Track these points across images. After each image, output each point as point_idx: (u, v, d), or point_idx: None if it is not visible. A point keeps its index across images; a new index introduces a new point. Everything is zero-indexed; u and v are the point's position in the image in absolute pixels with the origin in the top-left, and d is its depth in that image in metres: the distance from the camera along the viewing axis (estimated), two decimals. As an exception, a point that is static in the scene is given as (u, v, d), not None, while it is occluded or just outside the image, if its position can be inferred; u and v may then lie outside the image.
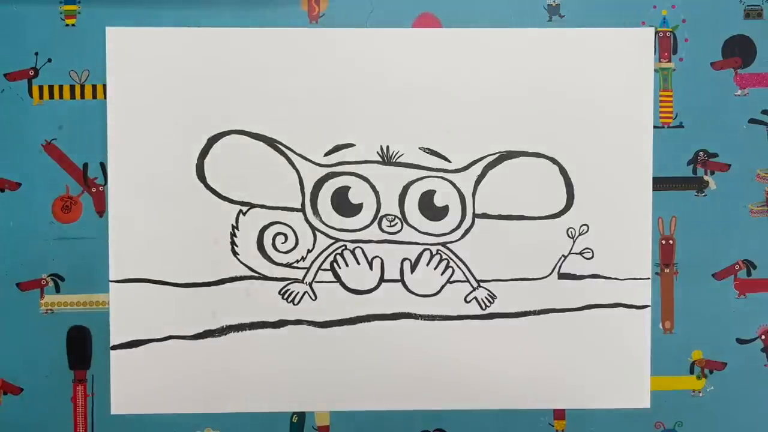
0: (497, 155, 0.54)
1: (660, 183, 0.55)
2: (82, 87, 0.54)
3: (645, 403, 0.55)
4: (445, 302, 0.54)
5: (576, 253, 0.55)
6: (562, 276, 0.55)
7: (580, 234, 0.55)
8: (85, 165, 0.54)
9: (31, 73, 0.54)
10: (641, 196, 0.55)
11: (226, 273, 0.54)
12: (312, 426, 0.55)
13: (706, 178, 0.55)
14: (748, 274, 0.55)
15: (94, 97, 0.54)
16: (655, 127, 0.55)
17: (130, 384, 0.54)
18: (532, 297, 0.55)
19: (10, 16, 0.54)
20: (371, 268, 0.54)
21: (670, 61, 0.55)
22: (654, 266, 0.55)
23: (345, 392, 0.54)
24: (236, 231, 0.54)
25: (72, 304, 0.54)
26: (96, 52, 0.54)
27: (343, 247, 0.54)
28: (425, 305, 0.54)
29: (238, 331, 0.54)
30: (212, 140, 0.54)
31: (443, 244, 0.54)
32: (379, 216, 0.54)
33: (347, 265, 0.54)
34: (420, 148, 0.54)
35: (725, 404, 0.56)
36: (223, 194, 0.54)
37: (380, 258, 0.54)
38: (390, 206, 0.54)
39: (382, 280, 0.54)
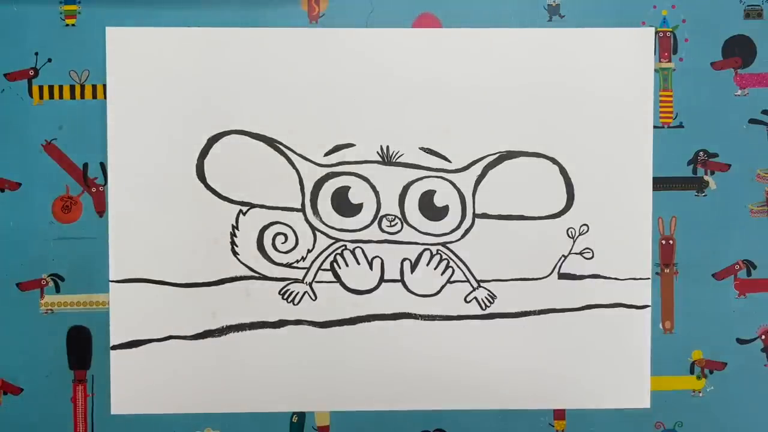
0: (497, 155, 0.54)
1: (660, 183, 0.55)
2: (82, 87, 0.54)
3: (645, 403, 0.55)
4: (445, 302, 0.54)
5: (576, 253, 0.55)
6: (562, 276, 0.55)
7: (580, 234, 0.55)
8: (85, 165, 0.54)
9: (31, 73, 0.54)
10: (641, 196, 0.55)
11: (226, 273, 0.54)
12: (312, 426, 0.55)
13: (706, 178, 0.55)
14: (748, 274, 0.55)
15: (94, 97, 0.54)
16: (655, 127, 0.55)
17: (130, 384, 0.54)
18: (532, 297, 0.55)
19: (10, 16, 0.54)
20: (371, 268, 0.54)
21: (670, 61, 0.55)
22: (654, 266, 0.55)
23: (345, 392, 0.54)
24: (236, 231, 0.54)
25: (72, 304, 0.54)
26: (96, 52, 0.54)
27: (343, 247, 0.54)
28: (425, 305, 0.54)
29: (238, 331, 0.54)
30: (212, 140, 0.54)
31: (443, 244, 0.54)
32: (379, 216, 0.54)
33: (347, 265, 0.54)
34: (420, 148, 0.54)
35: (725, 404, 0.56)
36: (223, 194, 0.54)
37: (380, 258, 0.54)
38: (390, 206, 0.54)
39: (382, 280, 0.54)
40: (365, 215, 0.54)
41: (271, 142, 0.54)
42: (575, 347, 0.55)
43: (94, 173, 0.54)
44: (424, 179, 0.54)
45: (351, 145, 0.54)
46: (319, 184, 0.54)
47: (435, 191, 0.54)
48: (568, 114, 0.54)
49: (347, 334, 0.54)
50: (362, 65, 0.54)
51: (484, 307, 0.55)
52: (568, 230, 0.55)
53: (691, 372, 0.56)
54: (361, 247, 0.54)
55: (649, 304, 0.55)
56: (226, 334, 0.54)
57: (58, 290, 0.54)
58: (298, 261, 0.54)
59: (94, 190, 0.54)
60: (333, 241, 0.54)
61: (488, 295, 0.55)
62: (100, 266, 0.54)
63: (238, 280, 0.54)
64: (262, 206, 0.54)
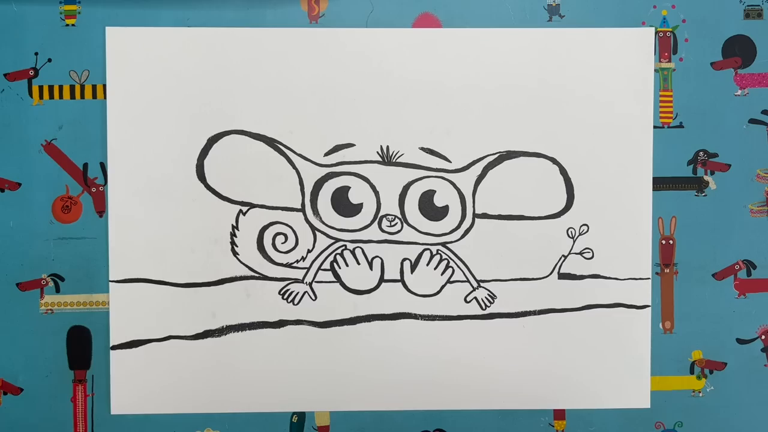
0: (497, 155, 0.54)
1: (660, 183, 0.55)
2: (82, 87, 0.54)
3: (645, 403, 0.55)
4: (445, 302, 0.54)
5: (576, 253, 0.55)
6: (562, 276, 0.55)
7: (580, 234, 0.55)
8: (85, 165, 0.54)
9: (31, 73, 0.54)
10: (641, 196, 0.55)
11: (226, 273, 0.54)
12: (312, 426, 0.55)
13: (706, 178, 0.55)
14: (748, 274, 0.55)
15: (94, 97, 0.54)
16: (655, 127, 0.55)
17: (130, 384, 0.54)
18: (532, 297, 0.55)
19: (10, 16, 0.54)
20: (371, 268, 0.54)
21: (670, 61, 0.55)
22: (654, 266, 0.55)
23: (345, 392, 0.54)
24: (236, 231, 0.54)
25: (72, 304, 0.54)
26: (96, 52, 0.54)
27: (343, 247, 0.54)
28: (425, 305, 0.54)
29: (238, 331, 0.54)
30: (212, 140, 0.54)
31: (443, 244, 0.54)
32: (379, 216, 0.54)
33: (347, 265, 0.54)
34: (420, 148, 0.54)
35: (725, 404, 0.56)
36: (223, 194, 0.54)
37: (380, 258, 0.54)
38: (390, 206, 0.54)
39: (382, 280, 0.54)
40: (365, 215, 0.54)
41: (271, 142, 0.54)
42: (575, 347, 0.55)
43: (94, 173, 0.54)
44: (424, 179, 0.54)
45: (351, 145, 0.54)
46: (319, 184, 0.54)
47: (435, 191, 0.54)
48: (568, 114, 0.54)
49: (347, 334, 0.54)
50: (362, 65, 0.54)
51: (484, 307, 0.55)
52: (568, 230, 0.55)
53: (691, 372, 0.56)
54: (361, 247, 0.54)
55: (649, 304, 0.55)
56: (226, 334, 0.54)
57: (58, 290, 0.54)
58: (298, 261, 0.54)
59: (94, 190, 0.54)
60: (333, 241, 0.54)
61: (488, 295, 0.54)
62: (100, 266, 0.54)
63: (238, 280, 0.54)
64: (262, 206, 0.54)
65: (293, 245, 0.54)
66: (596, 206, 0.55)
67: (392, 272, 0.54)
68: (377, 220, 0.54)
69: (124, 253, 0.54)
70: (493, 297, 0.54)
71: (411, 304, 0.54)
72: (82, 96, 0.54)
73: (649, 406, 0.55)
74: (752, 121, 0.55)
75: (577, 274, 0.55)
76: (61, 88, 0.54)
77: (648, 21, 0.55)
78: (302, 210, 0.54)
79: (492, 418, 0.55)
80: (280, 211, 0.54)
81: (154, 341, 0.54)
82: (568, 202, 0.54)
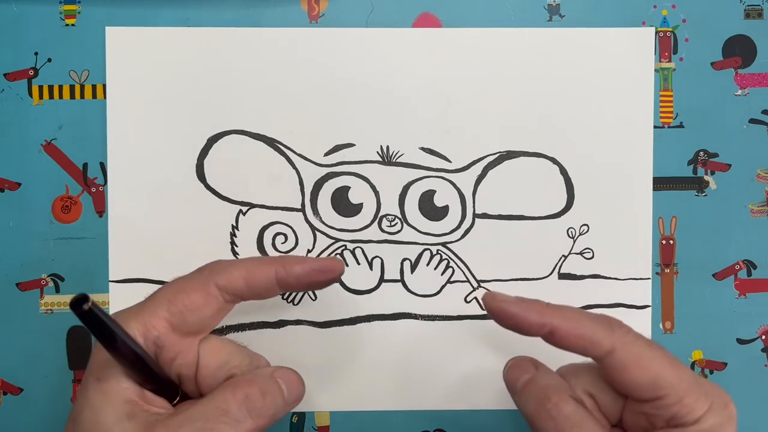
0: (497, 155, 0.54)
1: (660, 183, 0.55)
2: (82, 87, 0.54)
3: (645, 403, 0.55)
4: (445, 302, 0.54)
5: (576, 253, 0.55)
6: (562, 276, 0.55)
7: (580, 234, 0.55)
8: (85, 165, 0.54)
9: (31, 73, 0.54)
10: (641, 196, 0.55)
11: (226, 273, 0.54)
12: (312, 426, 0.55)
13: (706, 178, 0.55)
14: (748, 274, 0.55)
15: (94, 97, 0.54)
16: (655, 127, 0.55)
17: (130, 384, 0.54)
18: (532, 297, 0.54)
19: (10, 16, 0.54)
20: (371, 268, 0.54)
21: (670, 61, 0.55)
22: (654, 266, 0.55)
23: (345, 392, 0.54)
24: (236, 231, 0.54)
25: (72, 304, 0.54)
26: (96, 52, 0.54)
27: (343, 247, 0.54)
28: (425, 305, 0.54)
29: (238, 331, 0.54)
30: (212, 140, 0.54)
31: (443, 244, 0.54)
32: (379, 216, 0.54)
33: (347, 265, 0.54)
34: (420, 148, 0.54)
35: (725, 404, 0.56)
36: (223, 194, 0.54)
37: (380, 258, 0.54)
38: (390, 206, 0.54)
39: (382, 280, 0.54)
40: (365, 215, 0.54)
41: (271, 142, 0.54)
42: (575, 347, 0.55)
43: (94, 173, 0.54)
44: (424, 179, 0.54)
45: (351, 145, 0.54)
46: (319, 184, 0.54)
47: (435, 191, 0.54)
48: (568, 114, 0.54)
49: (347, 334, 0.54)
50: (362, 65, 0.54)
51: (484, 307, 0.54)
52: (568, 230, 0.55)
53: (691, 372, 0.56)
54: (361, 247, 0.54)
55: (649, 304, 0.55)
56: (225, 334, 0.54)
57: (58, 290, 0.54)
58: (298, 261, 0.54)
59: (94, 190, 0.54)
60: (333, 241, 0.54)
61: (488, 295, 0.54)
62: (100, 266, 0.54)
63: (238, 280, 0.54)
64: (262, 206, 0.54)
65: (293, 245, 0.54)
66: (596, 206, 0.55)
67: (392, 272, 0.54)
68: (377, 220, 0.54)
69: (124, 253, 0.54)
70: (493, 297, 0.54)
71: (411, 304, 0.54)
72: (82, 96, 0.54)
73: (649, 406, 0.55)
74: (752, 121, 0.55)
75: (577, 274, 0.55)
76: (61, 88, 0.54)
77: (648, 21, 0.55)
78: (302, 210, 0.54)
79: (492, 418, 0.55)
80: (280, 211, 0.54)
81: (154, 341, 0.54)
82: (568, 202, 0.54)
